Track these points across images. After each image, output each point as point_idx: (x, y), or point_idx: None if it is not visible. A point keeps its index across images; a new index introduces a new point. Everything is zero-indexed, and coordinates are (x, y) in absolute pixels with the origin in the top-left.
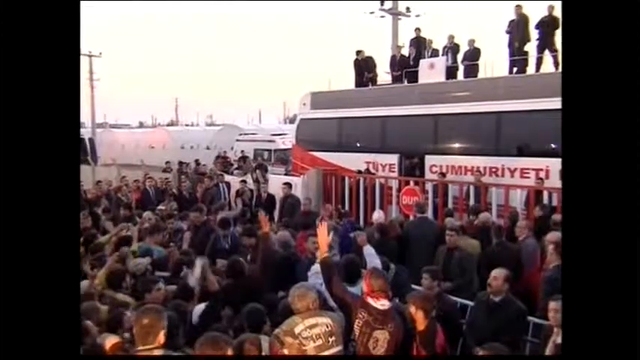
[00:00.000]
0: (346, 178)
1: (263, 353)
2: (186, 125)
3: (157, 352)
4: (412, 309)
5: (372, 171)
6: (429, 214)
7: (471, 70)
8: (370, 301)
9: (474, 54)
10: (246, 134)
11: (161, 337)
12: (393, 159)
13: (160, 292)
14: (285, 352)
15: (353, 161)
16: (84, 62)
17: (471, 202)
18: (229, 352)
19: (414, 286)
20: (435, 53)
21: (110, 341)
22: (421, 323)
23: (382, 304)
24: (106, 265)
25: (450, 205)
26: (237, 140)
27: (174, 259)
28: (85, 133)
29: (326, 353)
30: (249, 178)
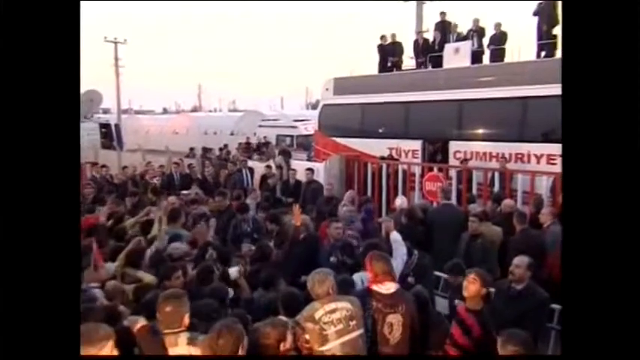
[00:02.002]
0: (369, 164)
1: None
2: (209, 111)
3: (183, 335)
4: (476, 285)
5: (395, 157)
6: (452, 200)
7: (497, 55)
8: (375, 287)
9: (500, 38)
10: (268, 120)
11: (185, 321)
12: (416, 145)
13: (179, 280)
14: (307, 337)
15: (376, 147)
16: (110, 49)
17: (496, 188)
18: (245, 340)
19: (436, 272)
20: (460, 37)
21: (137, 323)
22: (478, 303)
23: (387, 287)
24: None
25: (475, 191)
26: (260, 126)
27: (200, 243)
28: (111, 119)
29: (347, 338)
30: (272, 164)
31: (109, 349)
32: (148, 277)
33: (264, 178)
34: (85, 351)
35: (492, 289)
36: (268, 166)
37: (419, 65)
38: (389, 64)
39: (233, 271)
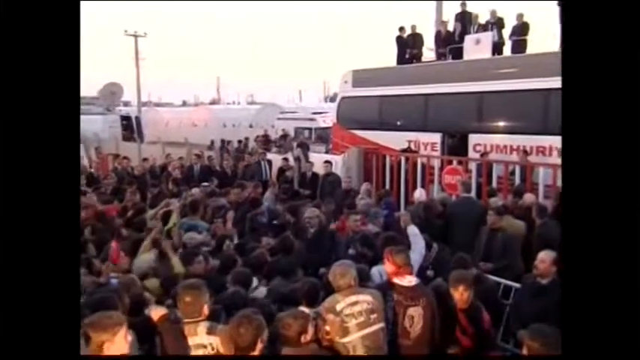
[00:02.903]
0: (387, 157)
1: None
2: (228, 104)
3: (203, 325)
4: (453, 288)
5: (414, 150)
6: (472, 193)
7: (519, 46)
8: (397, 280)
9: (522, 29)
10: (286, 113)
11: (205, 310)
12: (435, 138)
13: (201, 265)
14: (327, 329)
15: (394, 140)
16: (130, 42)
17: (517, 182)
18: (265, 331)
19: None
20: (481, 29)
21: (157, 312)
22: (465, 302)
23: (409, 280)
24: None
25: (495, 185)
26: (278, 119)
27: (218, 234)
28: (132, 111)
29: (367, 330)
30: (290, 156)
31: (122, 335)
32: (179, 266)
33: (281, 170)
34: (98, 338)
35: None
36: (285, 159)
37: (439, 56)
38: (407, 56)
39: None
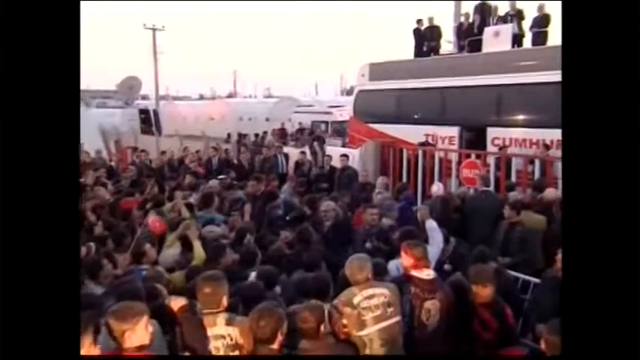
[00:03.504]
0: (404, 151)
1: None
2: (245, 97)
3: (222, 316)
4: (475, 283)
5: (432, 143)
6: (491, 187)
7: (540, 38)
8: (415, 273)
9: (542, 20)
10: (303, 106)
11: (224, 302)
12: (453, 131)
13: (229, 257)
14: (344, 322)
15: (412, 133)
16: (148, 36)
17: (536, 176)
18: (285, 324)
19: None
20: (500, 21)
21: (177, 303)
22: (487, 297)
23: (427, 273)
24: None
25: (514, 179)
26: (295, 112)
27: (237, 227)
28: (150, 105)
29: (384, 324)
30: (306, 150)
31: (142, 325)
32: (202, 257)
33: (298, 164)
34: (119, 327)
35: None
36: (303, 152)
37: (460, 49)
38: (425, 49)
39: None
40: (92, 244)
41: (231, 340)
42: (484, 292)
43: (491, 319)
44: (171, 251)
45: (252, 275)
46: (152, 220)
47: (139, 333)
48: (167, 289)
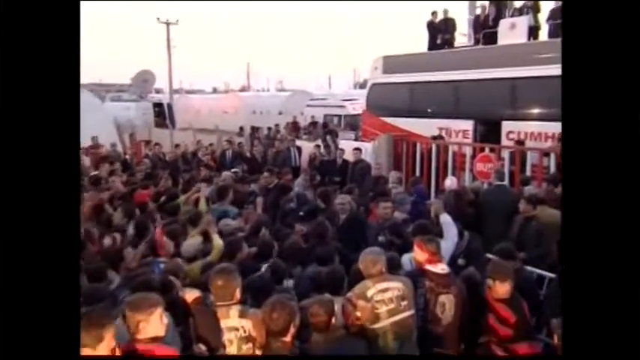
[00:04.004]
0: (418, 144)
1: (334, 317)
2: (258, 91)
3: (235, 308)
4: (493, 279)
5: (445, 137)
6: (505, 182)
7: (556, 30)
8: (430, 267)
9: (559, 12)
10: (316, 100)
11: (237, 294)
12: (467, 125)
13: (246, 251)
14: (358, 314)
15: (425, 127)
16: (162, 29)
17: (552, 170)
18: (297, 317)
19: (487, 255)
20: (516, 12)
21: (191, 295)
22: (505, 292)
23: (442, 268)
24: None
25: (529, 173)
26: (308, 106)
27: (253, 219)
28: (163, 98)
29: (398, 317)
30: (320, 143)
31: (157, 316)
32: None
33: (311, 157)
34: (134, 318)
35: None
36: (317, 146)
37: (475, 42)
38: (439, 42)
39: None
40: (117, 234)
41: (244, 332)
42: (502, 287)
43: (509, 314)
44: (193, 241)
45: (264, 268)
46: (158, 234)
47: (154, 324)
48: (184, 281)
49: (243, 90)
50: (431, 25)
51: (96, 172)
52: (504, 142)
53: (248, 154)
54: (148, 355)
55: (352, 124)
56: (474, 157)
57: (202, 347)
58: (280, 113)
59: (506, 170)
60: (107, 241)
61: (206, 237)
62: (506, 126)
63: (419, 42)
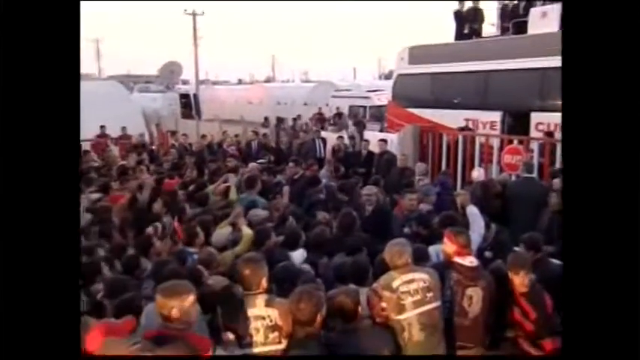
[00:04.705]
0: (444, 136)
1: (359, 307)
2: (283, 82)
3: (261, 297)
4: (512, 272)
5: (472, 129)
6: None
7: None
8: (458, 259)
9: None
10: (341, 91)
11: (263, 283)
12: (495, 116)
13: (273, 240)
14: (383, 305)
15: (452, 118)
16: (189, 21)
17: None
18: (324, 307)
19: (515, 248)
20: (548, 0)
21: (219, 284)
22: (524, 285)
23: (471, 261)
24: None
25: (559, 166)
26: (333, 97)
27: (281, 209)
28: (190, 89)
29: (424, 308)
30: (344, 135)
31: (190, 302)
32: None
33: (335, 149)
34: (166, 304)
35: None
36: (339, 137)
37: (503, 31)
38: (466, 32)
39: (297, 255)
40: (158, 224)
41: (271, 321)
42: (518, 279)
43: (530, 309)
44: (224, 231)
45: (296, 256)
46: (176, 227)
47: (186, 310)
48: (216, 270)
49: (268, 81)
50: (458, 15)
51: (124, 162)
52: (533, 133)
53: (273, 145)
54: (181, 339)
55: (377, 115)
56: (501, 149)
57: (230, 335)
58: (305, 104)
59: (535, 162)
60: (150, 230)
61: (235, 227)
62: (536, 117)
63: (445, 32)
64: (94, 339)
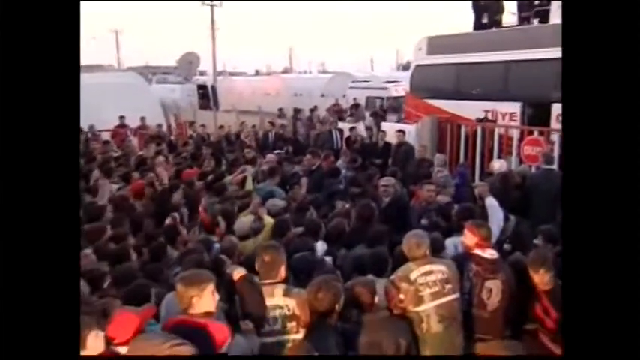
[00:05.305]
0: (462, 127)
1: (376, 298)
2: (300, 73)
3: (280, 287)
4: (533, 270)
5: (491, 120)
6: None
7: None
8: (478, 252)
9: None
10: (358, 82)
11: (282, 272)
12: (515, 107)
13: (293, 232)
14: (402, 296)
15: (470, 109)
16: (206, 12)
17: None
18: (342, 298)
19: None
20: None
21: (238, 272)
22: (545, 283)
23: (491, 253)
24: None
25: None
26: (350, 88)
27: (299, 199)
28: (207, 80)
29: (442, 300)
30: (361, 126)
31: (209, 291)
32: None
33: (349, 139)
34: (187, 293)
35: None
36: (353, 128)
37: (521, 21)
38: (486, 21)
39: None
40: (176, 214)
41: (289, 310)
42: (538, 276)
43: (551, 306)
44: (246, 219)
45: (319, 246)
46: (202, 216)
47: (206, 299)
48: (238, 259)
49: (285, 72)
50: (477, 4)
51: (141, 153)
52: (554, 125)
53: (290, 136)
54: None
55: (395, 106)
56: (521, 140)
57: (249, 324)
58: (322, 95)
59: (555, 154)
60: (168, 220)
61: (256, 216)
62: (557, 108)
63: (464, 22)
64: (122, 326)
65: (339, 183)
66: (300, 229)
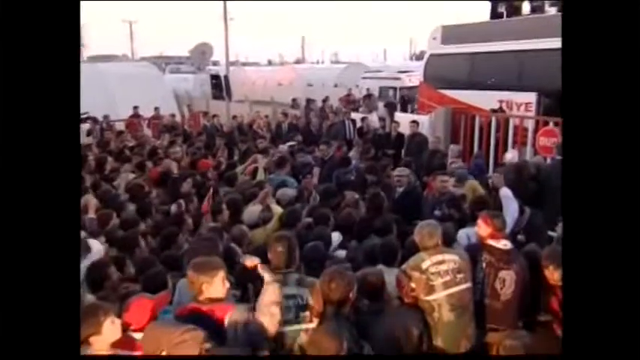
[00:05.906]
0: (477, 118)
1: (386, 286)
2: (312, 63)
3: (292, 276)
4: (545, 266)
5: (506, 110)
6: None
7: None
8: (492, 242)
9: None
10: (371, 72)
11: (295, 262)
12: (530, 97)
13: (302, 222)
14: (413, 286)
15: (485, 100)
16: (219, 2)
17: None
18: (355, 287)
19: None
20: None
21: (251, 261)
22: (558, 280)
23: (504, 244)
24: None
25: None
26: (363, 78)
27: (310, 189)
28: (220, 70)
29: (454, 289)
30: (374, 116)
31: (220, 279)
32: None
33: (361, 130)
34: (198, 279)
35: None
36: (364, 118)
37: (534, 10)
38: (502, 10)
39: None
40: (181, 200)
41: (302, 300)
42: (554, 276)
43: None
44: (255, 208)
45: (335, 236)
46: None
47: (216, 286)
48: (248, 248)
49: (298, 62)
50: None
51: (157, 143)
52: None
53: (303, 127)
54: (210, 315)
55: (408, 96)
56: (536, 131)
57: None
58: (335, 86)
59: None
60: (174, 208)
61: (265, 205)
62: None
63: (480, 11)
64: (138, 312)
65: (349, 173)
66: (309, 220)
